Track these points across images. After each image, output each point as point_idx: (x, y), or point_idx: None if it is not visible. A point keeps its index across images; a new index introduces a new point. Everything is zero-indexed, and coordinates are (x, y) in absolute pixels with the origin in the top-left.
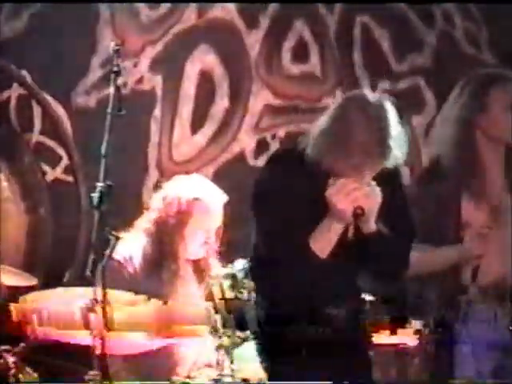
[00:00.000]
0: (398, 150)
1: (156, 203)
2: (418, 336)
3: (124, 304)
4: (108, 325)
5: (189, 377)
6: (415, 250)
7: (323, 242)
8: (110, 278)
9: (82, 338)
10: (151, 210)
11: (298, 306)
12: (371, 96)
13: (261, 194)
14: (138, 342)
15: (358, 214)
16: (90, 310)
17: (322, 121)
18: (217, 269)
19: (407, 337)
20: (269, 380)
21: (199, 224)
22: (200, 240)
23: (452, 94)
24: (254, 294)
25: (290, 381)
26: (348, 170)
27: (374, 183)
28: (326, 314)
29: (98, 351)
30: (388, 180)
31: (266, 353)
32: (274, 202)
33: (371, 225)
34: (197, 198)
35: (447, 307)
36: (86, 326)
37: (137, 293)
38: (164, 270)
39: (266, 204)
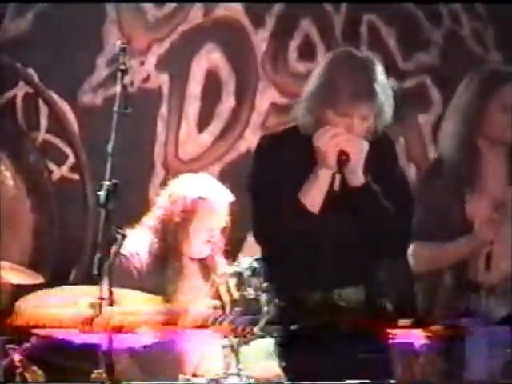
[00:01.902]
0: (384, 97)
1: (162, 201)
2: (427, 333)
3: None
4: (114, 323)
5: (195, 375)
6: (425, 248)
7: (312, 192)
8: (116, 274)
9: (88, 336)
10: (157, 208)
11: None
12: (357, 52)
13: (252, 177)
14: (143, 338)
15: (343, 160)
16: (96, 308)
17: (309, 82)
18: (223, 267)
19: (417, 334)
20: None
21: (204, 223)
22: (204, 238)
23: (456, 92)
24: (262, 293)
25: (304, 378)
26: (337, 119)
27: (362, 135)
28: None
29: (103, 349)
30: (380, 143)
31: (283, 350)
32: (266, 181)
33: (358, 177)
34: (202, 196)
35: (459, 303)
36: (92, 324)
37: (142, 289)
38: (168, 267)
39: (258, 186)
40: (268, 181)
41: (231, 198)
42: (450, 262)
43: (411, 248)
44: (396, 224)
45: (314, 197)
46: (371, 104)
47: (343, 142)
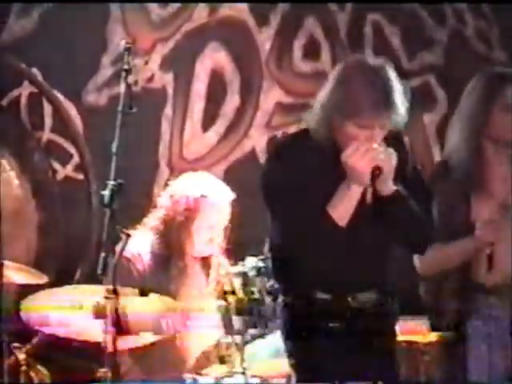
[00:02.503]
0: (400, 103)
1: (163, 201)
2: (431, 333)
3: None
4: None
5: (200, 374)
6: (430, 250)
7: (342, 207)
8: (119, 275)
9: (93, 335)
10: (159, 208)
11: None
12: (370, 59)
13: (271, 183)
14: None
15: (376, 174)
16: (101, 307)
17: (324, 91)
18: (225, 267)
19: (421, 334)
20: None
21: (206, 221)
22: (206, 237)
23: (463, 94)
24: (266, 292)
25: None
26: (357, 132)
27: (384, 144)
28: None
29: (108, 348)
30: (395, 143)
31: (293, 348)
32: (287, 188)
33: (390, 186)
34: (203, 195)
35: (462, 304)
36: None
37: (145, 290)
38: (171, 267)
39: (278, 193)
40: (285, 190)
41: (232, 196)
42: (453, 263)
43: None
44: (423, 223)
45: (343, 211)
46: (390, 114)
47: (376, 157)
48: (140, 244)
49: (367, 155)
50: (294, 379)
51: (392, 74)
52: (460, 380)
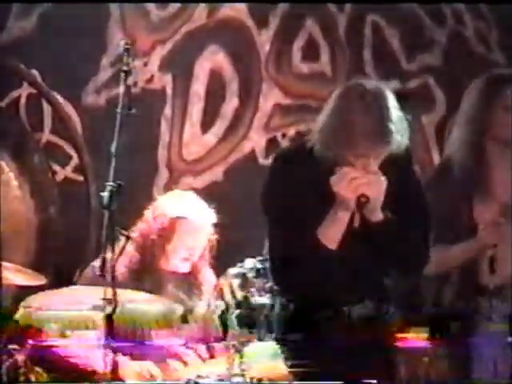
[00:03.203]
0: (399, 134)
1: (147, 215)
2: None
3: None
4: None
5: (199, 376)
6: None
7: (331, 232)
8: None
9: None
10: (141, 221)
11: (317, 305)
12: (368, 83)
13: (269, 193)
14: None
15: (363, 202)
16: (100, 309)
17: (323, 114)
18: (210, 280)
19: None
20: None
21: (182, 242)
22: (182, 256)
23: (464, 95)
24: (265, 294)
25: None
26: (353, 160)
27: (379, 172)
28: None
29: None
30: (398, 167)
31: (291, 352)
32: (284, 200)
33: (377, 213)
34: (181, 216)
35: (465, 306)
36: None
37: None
38: (145, 281)
39: (275, 203)
40: (285, 206)
41: (214, 219)
42: (454, 264)
43: None
44: (416, 249)
45: (332, 235)
46: (387, 143)
47: (363, 185)
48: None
49: (353, 183)
50: (292, 382)
51: (390, 100)
52: (463, 381)
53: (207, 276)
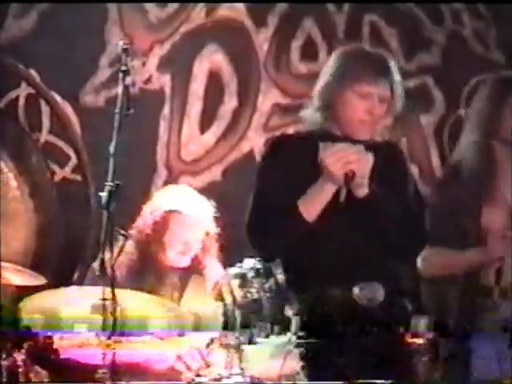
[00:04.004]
0: (397, 76)
1: (145, 211)
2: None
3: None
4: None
5: (198, 375)
6: (437, 254)
7: (312, 203)
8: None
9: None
10: (140, 218)
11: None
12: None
13: (258, 172)
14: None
15: (350, 177)
16: (99, 309)
17: (324, 72)
18: (215, 275)
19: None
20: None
21: (177, 236)
22: (179, 250)
23: (474, 99)
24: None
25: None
26: (357, 103)
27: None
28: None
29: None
30: (385, 151)
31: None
32: (273, 176)
33: (364, 189)
34: (174, 210)
35: (468, 310)
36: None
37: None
38: (145, 276)
39: (264, 179)
40: (270, 184)
41: (212, 212)
42: (458, 270)
43: (422, 253)
44: (407, 227)
45: (313, 207)
46: (389, 82)
47: (352, 162)
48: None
49: (343, 159)
50: (299, 378)
51: (390, 61)
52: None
53: (214, 270)
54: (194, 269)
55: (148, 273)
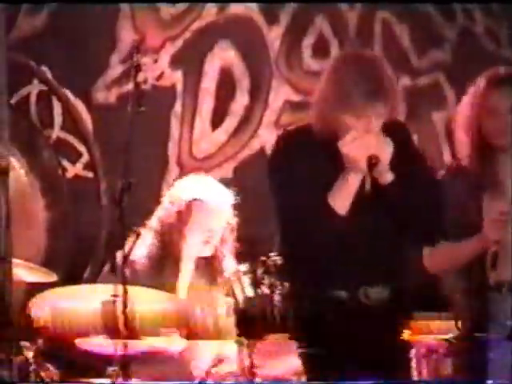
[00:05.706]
0: (395, 91)
1: (165, 202)
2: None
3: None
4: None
5: (208, 373)
6: (438, 249)
7: (341, 196)
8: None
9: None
10: (159, 209)
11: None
12: (363, 51)
13: (274, 171)
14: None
15: (373, 163)
16: (111, 306)
17: (319, 86)
18: (231, 266)
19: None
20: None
21: (199, 224)
22: (201, 239)
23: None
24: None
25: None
26: (355, 123)
27: (382, 133)
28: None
29: (118, 348)
30: (396, 136)
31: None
32: (289, 176)
33: (387, 175)
34: (197, 198)
35: (475, 303)
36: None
37: None
38: (166, 268)
39: (281, 180)
40: (289, 181)
41: (232, 200)
42: (460, 261)
43: (425, 249)
44: (428, 212)
45: (343, 200)
46: (384, 101)
47: (372, 146)
48: (136, 248)
49: (363, 144)
50: (304, 377)
51: (384, 64)
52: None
53: (229, 264)
54: (215, 259)
55: (168, 264)
